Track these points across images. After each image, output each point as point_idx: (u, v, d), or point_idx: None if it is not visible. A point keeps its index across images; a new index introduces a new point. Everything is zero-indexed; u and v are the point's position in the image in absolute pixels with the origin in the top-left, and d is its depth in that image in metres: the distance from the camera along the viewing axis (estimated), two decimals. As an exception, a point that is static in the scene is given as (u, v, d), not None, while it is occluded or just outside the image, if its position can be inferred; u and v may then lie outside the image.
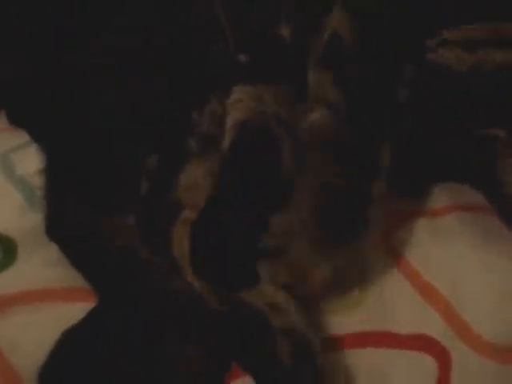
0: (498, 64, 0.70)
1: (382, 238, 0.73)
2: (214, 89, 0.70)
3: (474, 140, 0.72)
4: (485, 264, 0.70)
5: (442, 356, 0.64)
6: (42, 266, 0.70)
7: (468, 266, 0.70)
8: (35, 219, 0.71)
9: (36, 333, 0.65)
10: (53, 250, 0.69)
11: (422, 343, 0.65)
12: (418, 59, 0.70)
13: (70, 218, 0.69)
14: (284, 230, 0.63)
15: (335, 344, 0.64)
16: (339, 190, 0.65)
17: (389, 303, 0.68)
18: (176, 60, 0.71)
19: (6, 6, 0.80)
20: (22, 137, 0.79)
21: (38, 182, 0.73)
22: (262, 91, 0.67)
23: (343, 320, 0.66)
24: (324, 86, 0.67)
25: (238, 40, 0.72)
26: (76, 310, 0.65)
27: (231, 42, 0.72)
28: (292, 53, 0.70)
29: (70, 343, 0.63)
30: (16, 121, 0.80)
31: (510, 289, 0.68)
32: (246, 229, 0.63)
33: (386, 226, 0.74)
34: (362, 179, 0.65)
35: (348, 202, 0.65)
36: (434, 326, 0.66)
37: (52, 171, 0.73)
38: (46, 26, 0.77)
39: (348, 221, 0.65)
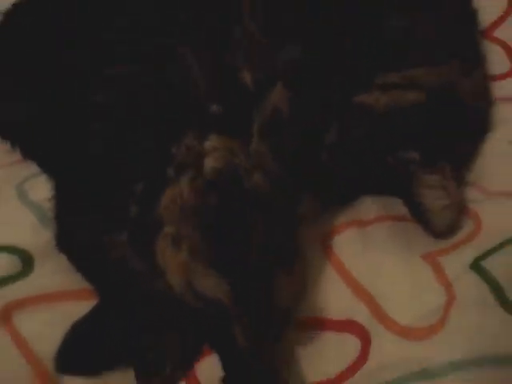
0: (410, 102, 0.81)
1: (320, 241, 0.81)
2: (187, 127, 0.77)
3: (396, 161, 0.81)
4: (402, 263, 0.79)
5: (364, 336, 0.75)
6: (54, 273, 0.78)
7: (388, 265, 0.79)
8: (47, 236, 0.79)
9: (53, 326, 0.73)
10: (62, 260, 0.77)
11: (349, 327, 0.75)
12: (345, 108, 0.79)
13: (75, 234, 0.76)
14: None
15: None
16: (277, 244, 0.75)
17: (323, 294, 0.77)
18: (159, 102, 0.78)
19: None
20: (34, 168, 0.86)
21: (48, 205, 0.80)
22: (233, 143, 0.76)
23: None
24: (262, 154, 0.76)
25: (208, 85, 0.79)
26: (82, 307, 0.74)
27: (202, 88, 0.79)
28: (252, 106, 0.78)
29: (78, 332, 0.73)
30: (28, 154, 0.87)
31: (419, 284, 0.77)
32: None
33: (324, 232, 0.82)
34: (285, 232, 0.76)
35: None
36: (359, 313, 0.76)
37: (59, 197, 0.79)
38: (46, 27, 0.82)
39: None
